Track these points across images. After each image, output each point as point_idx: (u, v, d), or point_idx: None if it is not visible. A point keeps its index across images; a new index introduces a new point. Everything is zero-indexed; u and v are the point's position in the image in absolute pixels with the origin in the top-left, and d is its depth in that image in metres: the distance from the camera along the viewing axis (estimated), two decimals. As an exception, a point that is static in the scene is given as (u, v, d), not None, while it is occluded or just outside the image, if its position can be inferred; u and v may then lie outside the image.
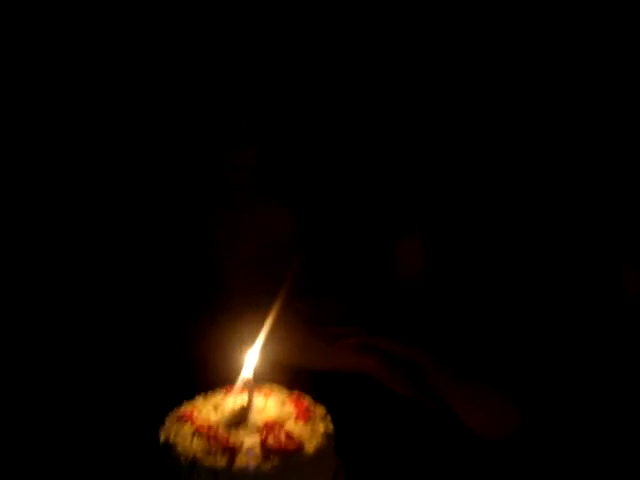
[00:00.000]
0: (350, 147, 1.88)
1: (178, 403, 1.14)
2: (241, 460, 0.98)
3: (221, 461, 0.98)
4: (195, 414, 1.09)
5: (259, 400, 1.12)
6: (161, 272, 1.61)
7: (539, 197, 1.55)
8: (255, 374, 1.13)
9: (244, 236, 1.67)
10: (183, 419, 1.08)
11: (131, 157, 1.80)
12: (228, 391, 1.15)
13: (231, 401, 1.12)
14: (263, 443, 1.01)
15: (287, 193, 1.75)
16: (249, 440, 1.02)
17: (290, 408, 1.11)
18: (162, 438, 1.05)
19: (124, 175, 1.78)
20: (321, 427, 1.07)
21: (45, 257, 1.71)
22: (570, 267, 1.44)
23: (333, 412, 1.12)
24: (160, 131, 1.77)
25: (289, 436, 1.03)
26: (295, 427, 1.06)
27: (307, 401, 1.14)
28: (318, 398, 1.16)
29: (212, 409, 1.11)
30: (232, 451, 0.99)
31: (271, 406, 1.12)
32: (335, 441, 1.08)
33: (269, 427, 1.05)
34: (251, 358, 1.14)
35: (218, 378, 1.20)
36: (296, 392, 1.16)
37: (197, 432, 1.04)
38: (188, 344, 1.43)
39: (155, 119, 1.79)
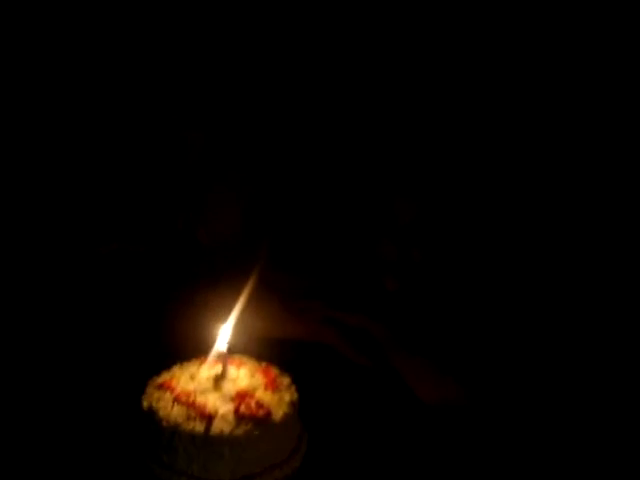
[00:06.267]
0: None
1: (155, 372, 1.25)
2: (217, 426, 1.10)
3: (199, 427, 1.10)
4: (174, 383, 1.20)
5: (232, 370, 1.24)
6: (144, 249, 1.71)
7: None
8: (229, 346, 1.24)
9: (221, 216, 1.77)
10: (163, 387, 1.19)
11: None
12: (202, 362, 1.26)
13: (206, 371, 1.23)
14: (236, 410, 1.13)
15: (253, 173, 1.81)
16: (223, 407, 1.14)
17: (260, 378, 1.23)
18: (145, 404, 1.16)
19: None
20: (287, 396, 1.20)
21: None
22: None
23: (298, 381, 1.25)
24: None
25: (259, 404, 1.15)
26: (264, 396, 1.18)
27: (275, 372, 1.26)
28: (284, 367, 1.29)
29: (189, 378, 1.22)
30: (209, 417, 1.11)
31: (243, 376, 1.23)
32: (299, 408, 1.21)
33: (241, 396, 1.17)
34: (225, 331, 1.25)
35: (191, 349, 1.31)
36: (265, 363, 1.28)
37: (177, 400, 1.15)
38: (165, 318, 1.52)
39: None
